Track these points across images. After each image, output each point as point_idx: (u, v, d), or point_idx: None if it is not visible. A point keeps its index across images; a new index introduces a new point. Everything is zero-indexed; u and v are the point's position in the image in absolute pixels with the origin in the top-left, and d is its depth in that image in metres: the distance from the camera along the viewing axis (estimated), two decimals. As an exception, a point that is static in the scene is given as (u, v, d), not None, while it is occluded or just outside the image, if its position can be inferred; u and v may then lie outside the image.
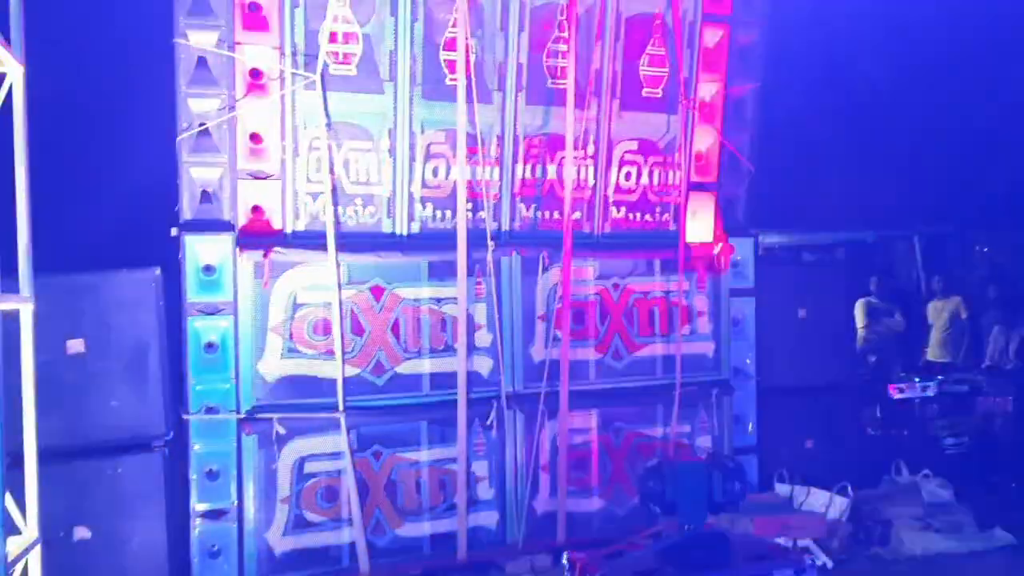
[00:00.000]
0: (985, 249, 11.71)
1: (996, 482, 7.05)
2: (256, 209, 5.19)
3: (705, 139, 6.28)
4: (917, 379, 7.39)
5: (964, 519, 6.20)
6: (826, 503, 6.04)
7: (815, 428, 6.77)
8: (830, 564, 5.63)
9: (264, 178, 5.17)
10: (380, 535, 5.40)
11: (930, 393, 7.28)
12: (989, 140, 9.52)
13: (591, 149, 5.95)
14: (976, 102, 9.01)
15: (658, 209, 6.21)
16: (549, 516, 5.80)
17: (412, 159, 5.47)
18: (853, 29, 7.12)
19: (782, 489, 6.30)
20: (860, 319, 9.16)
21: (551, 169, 5.84)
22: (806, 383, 6.71)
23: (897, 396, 7.24)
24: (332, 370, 5.26)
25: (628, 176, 6.09)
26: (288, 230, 5.25)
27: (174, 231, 5.08)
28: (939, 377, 7.68)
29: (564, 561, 3.10)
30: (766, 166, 6.63)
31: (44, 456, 4.58)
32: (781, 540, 5.56)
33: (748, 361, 6.47)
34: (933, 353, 9.45)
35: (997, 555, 5.78)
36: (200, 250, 5.06)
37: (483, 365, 5.67)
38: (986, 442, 7.21)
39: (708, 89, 6.23)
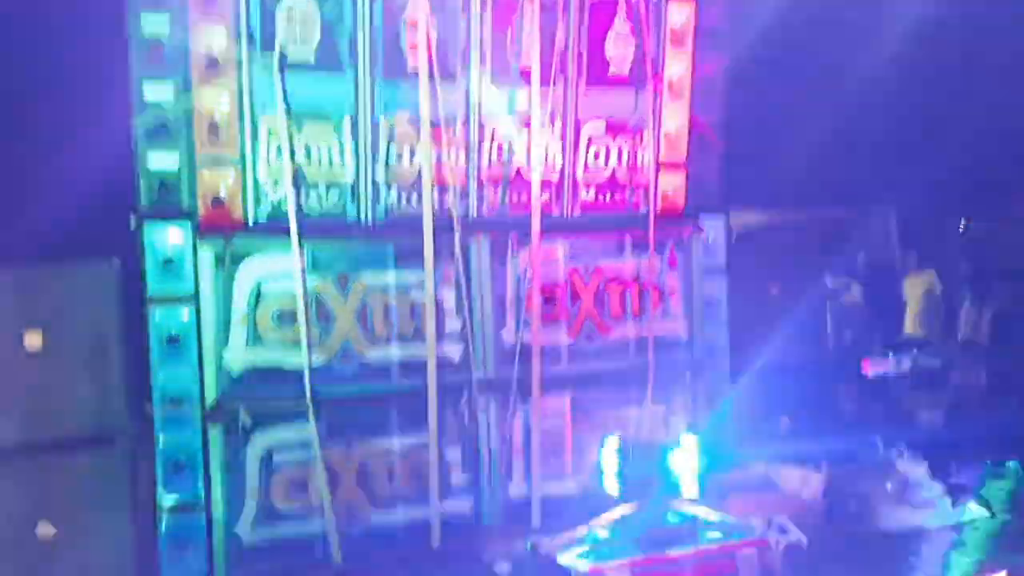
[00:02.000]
0: (961, 225, 11.75)
1: (969, 457, 7.08)
2: (216, 197, 5.08)
3: (674, 118, 6.21)
4: (891, 354, 7.39)
5: (938, 494, 6.24)
6: (801, 480, 6.05)
7: (790, 405, 6.79)
8: (804, 541, 5.63)
9: (224, 164, 5.06)
10: (352, 524, 5.35)
11: (904, 368, 7.28)
12: (965, 116, 9.50)
13: (558, 130, 5.87)
14: (954, 77, 8.97)
15: (628, 189, 6.14)
16: (524, 501, 5.77)
17: (375, 143, 5.38)
18: (826, 2, 7.06)
19: (757, 467, 6.30)
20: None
21: (518, 150, 5.76)
22: (780, 360, 6.70)
23: (871, 372, 7.24)
24: (298, 359, 5.18)
25: (596, 156, 6.03)
26: (250, 218, 5.15)
27: (133, 222, 4.98)
28: (913, 352, 7.68)
29: (528, 547, 3.06)
30: (739, 144, 6.59)
31: (4, 453, 4.52)
32: (754, 518, 5.57)
33: (721, 340, 6.44)
34: (909, 327, 9.47)
35: (971, 528, 5.80)
36: (160, 240, 4.96)
37: (453, 351, 5.61)
38: (959, 417, 7.23)
39: (676, 67, 6.16)
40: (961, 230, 10.59)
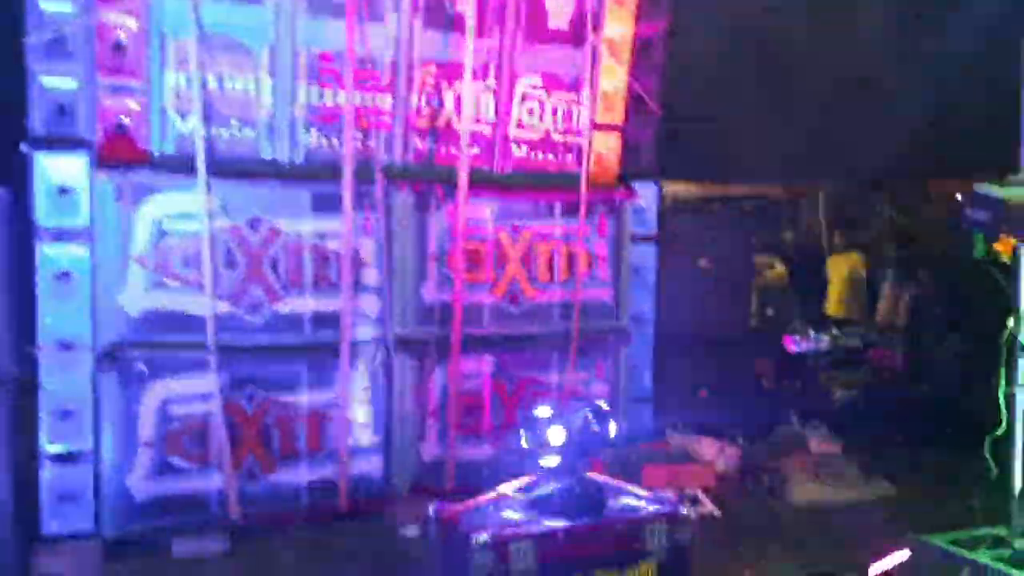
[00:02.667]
0: (888, 208, 11.94)
1: (882, 435, 7.19)
2: (118, 126, 4.71)
3: (611, 78, 6.02)
4: (812, 332, 7.44)
5: (850, 470, 6.29)
6: (717, 453, 6.02)
7: (711, 378, 6.76)
8: (718, 513, 5.62)
9: (126, 91, 4.69)
10: (253, 482, 5.09)
11: (824, 347, 7.33)
12: (901, 98, 9.57)
13: (492, 81, 5.63)
14: (891, 60, 9.01)
15: (561, 149, 5.95)
16: (437, 463, 5.59)
17: (295, 80, 5.06)
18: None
19: (675, 438, 6.26)
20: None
21: (448, 100, 5.50)
22: (704, 333, 6.67)
23: (792, 348, 7.27)
24: (202, 306, 4.87)
25: (531, 112, 5.81)
26: (154, 151, 4.80)
27: (24, 147, 4.57)
28: (833, 331, 7.75)
29: (430, 512, 2.89)
30: (675, 113, 6.45)
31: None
32: (669, 489, 5.52)
33: (647, 310, 6.34)
34: (831, 308, 9.59)
35: (879, 504, 5.86)
36: (53, 169, 4.58)
37: (370, 305, 5.37)
38: (874, 395, 7.33)
39: (616, 26, 5.95)
40: (887, 213, 10.77)
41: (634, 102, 6.14)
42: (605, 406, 3.18)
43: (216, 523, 4.99)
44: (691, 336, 6.60)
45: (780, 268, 9.97)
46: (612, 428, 3.04)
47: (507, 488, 2.96)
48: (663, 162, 6.56)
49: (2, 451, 4.48)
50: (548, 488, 2.88)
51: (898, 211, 11.35)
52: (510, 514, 2.79)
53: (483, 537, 2.65)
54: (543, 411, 2.97)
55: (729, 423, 6.48)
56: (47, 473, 4.61)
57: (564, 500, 2.83)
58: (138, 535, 4.82)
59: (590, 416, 2.99)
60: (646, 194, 6.29)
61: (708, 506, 5.63)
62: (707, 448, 6.09)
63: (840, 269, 9.50)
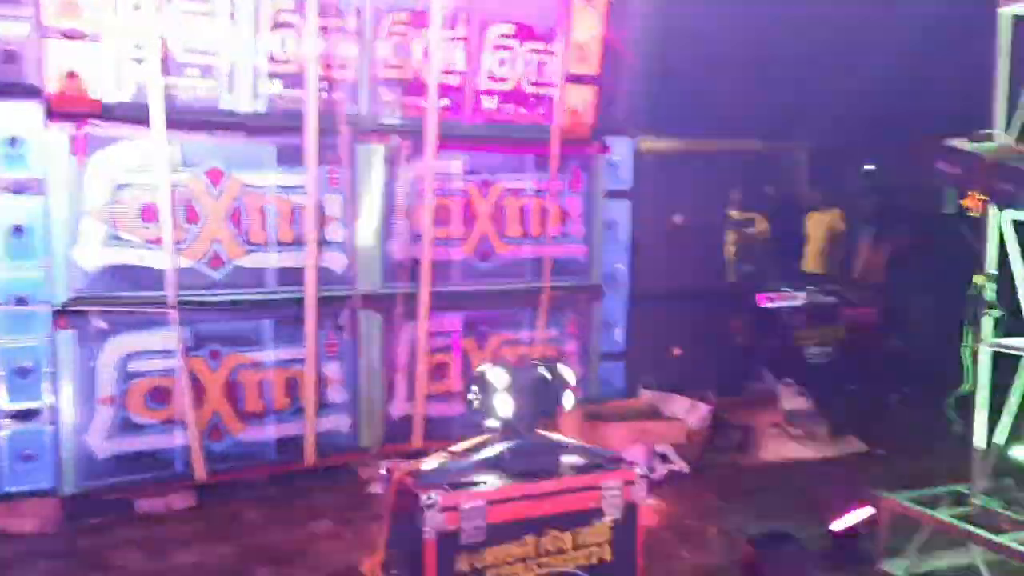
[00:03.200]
0: (869, 166, 11.86)
1: (854, 391, 7.20)
2: (71, 74, 4.54)
3: (586, 28, 5.88)
4: (785, 289, 7.39)
5: (820, 427, 6.30)
6: (688, 410, 6.00)
7: (684, 335, 6.72)
8: (686, 469, 5.62)
9: (79, 38, 4.51)
10: (218, 440, 5.03)
11: (798, 303, 7.30)
12: (884, 58, 9.43)
13: (461, 30, 5.47)
14: (876, 19, 8.85)
15: (533, 101, 5.82)
16: (406, 420, 5.55)
17: (257, 27, 4.88)
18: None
19: (646, 395, 6.23)
20: (728, 233, 9.18)
21: (416, 50, 5.34)
22: (677, 290, 6.61)
23: (765, 305, 7.23)
24: (161, 261, 4.76)
25: (502, 63, 5.66)
26: (109, 100, 4.63)
27: (-28, 96, 4.40)
28: (809, 287, 7.71)
29: (382, 471, 2.84)
30: (653, 66, 6.31)
31: None
32: (638, 445, 5.51)
33: (620, 266, 6.28)
34: (809, 264, 9.55)
35: (847, 462, 5.88)
36: (2, 118, 4.41)
37: (336, 261, 5.27)
38: (848, 353, 7.32)
39: (591, -28, 5.79)
40: (865, 170, 10.69)
41: (610, 53, 6.00)
42: (559, 360, 3.11)
43: (181, 481, 4.94)
44: (665, 293, 6.54)
45: (763, 225, 9.92)
46: (568, 383, 2.98)
47: (460, 447, 2.90)
48: (639, 116, 6.44)
49: (-42, 409, 4.41)
50: (501, 447, 2.83)
51: (877, 169, 11.29)
52: (462, 474, 2.74)
53: (433, 497, 2.59)
54: (490, 370, 2.90)
55: (702, 380, 6.45)
56: (5, 431, 4.52)
57: (516, 459, 2.78)
58: (100, 492, 4.76)
59: (544, 371, 2.92)
60: (621, 149, 6.18)
61: (677, 463, 5.63)
62: (678, 405, 6.05)
63: (819, 226, 9.44)
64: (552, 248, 5.89)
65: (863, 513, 4.30)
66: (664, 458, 5.64)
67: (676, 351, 6.67)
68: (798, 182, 10.44)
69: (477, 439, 2.94)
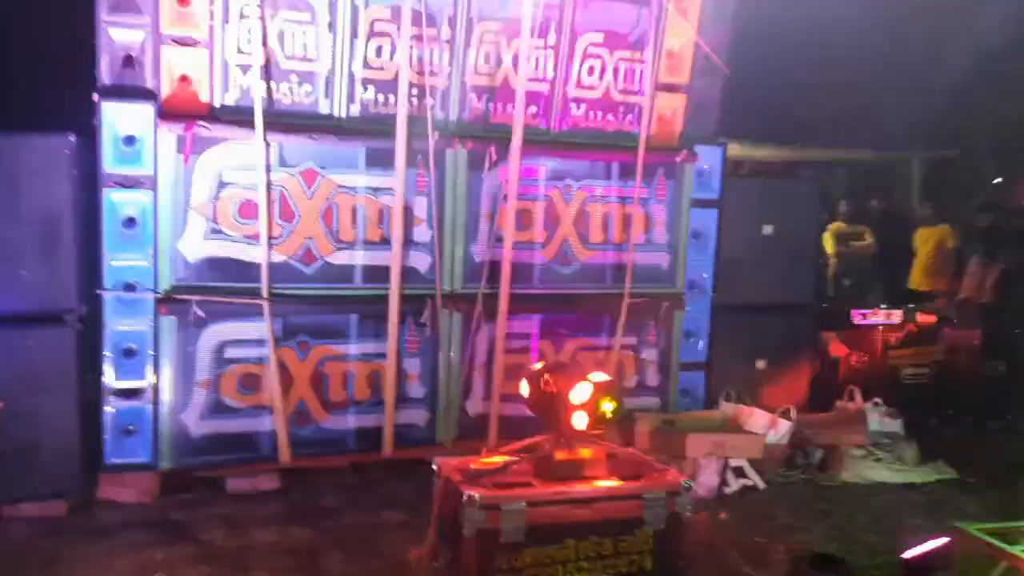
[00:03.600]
0: (992, 178, 11.25)
1: (951, 416, 6.91)
2: (182, 78, 4.88)
3: (678, 36, 5.86)
4: (883, 305, 7.14)
5: (908, 450, 6.08)
6: (767, 424, 5.90)
7: (771, 349, 6.59)
8: (762, 485, 5.53)
9: (191, 44, 4.84)
10: (303, 426, 5.29)
11: (895, 320, 7.04)
12: (1003, 64, 8.98)
13: (552, 39, 5.56)
14: (990, 22, 8.44)
15: (621, 109, 5.85)
16: (482, 418, 5.68)
17: (354, 36, 5.11)
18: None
19: (726, 408, 6.17)
20: (828, 244, 8.94)
21: (506, 58, 5.47)
22: (766, 302, 6.49)
23: (860, 321, 7.01)
24: (258, 254, 5.05)
25: (591, 71, 5.72)
26: (216, 103, 4.95)
27: (95, 96, 4.79)
28: (910, 305, 7.43)
29: (433, 466, 2.95)
30: (748, 72, 6.24)
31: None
32: (714, 458, 5.47)
33: (705, 276, 6.22)
34: (915, 281, 9.21)
35: (934, 488, 5.66)
36: (119, 119, 4.78)
37: (420, 261, 5.45)
38: (947, 375, 7.02)
39: (684, -19, 5.77)
40: (994, 184, 10.15)
41: (702, 61, 5.96)
42: (611, 376, 3.16)
43: (267, 463, 5.23)
44: (752, 305, 6.44)
45: (869, 239, 9.63)
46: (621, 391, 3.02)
47: (512, 448, 2.99)
48: (732, 123, 6.37)
49: (71, 386, 4.81)
50: (552, 451, 2.90)
51: (999, 184, 10.72)
52: (507, 474, 2.83)
53: (475, 495, 2.69)
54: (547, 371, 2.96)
55: (786, 395, 6.32)
56: (110, 408, 4.90)
57: (562, 463, 2.85)
58: (194, 469, 5.10)
59: (601, 381, 2.98)
60: (710, 157, 6.13)
61: (752, 478, 5.55)
62: (758, 419, 5.96)
63: (928, 241, 9.08)
64: (634, 255, 5.90)
65: (939, 543, 4.15)
66: (739, 472, 5.58)
67: (760, 364, 6.55)
68: (908, 194, 10.07)
69: (530, 441, 3.02)
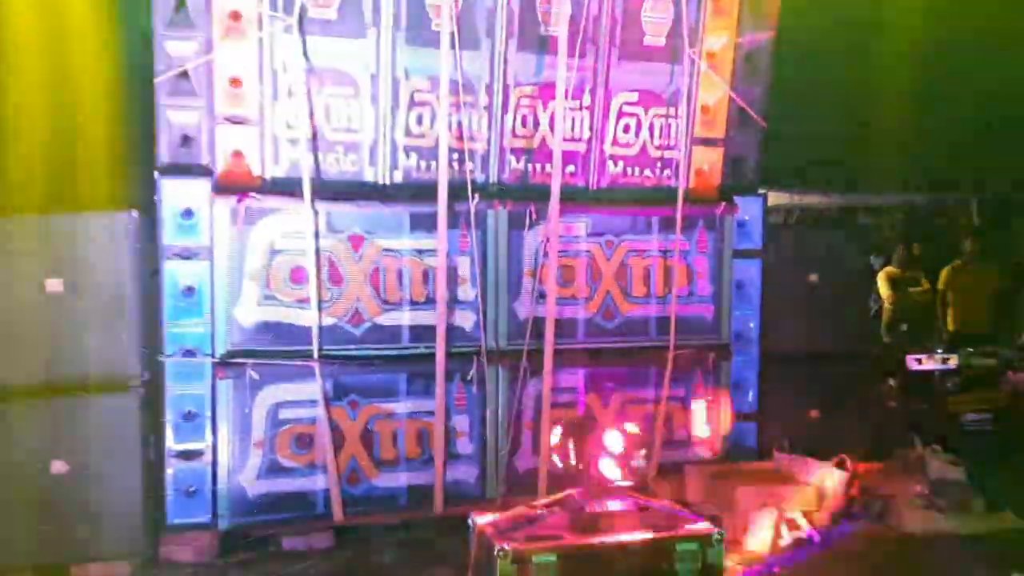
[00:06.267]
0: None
1: (1018, 462, 6.67)
2: (235, 154, 5.16)
3: (713, 91, 5.98)
4: (939, 350, 7.00)
5: (973, 500, 5.89)
6: (823, 475, 5.80)
7: (824, 398, 6.50)
8: (817, 537, 5.43)
9: (243, 122, 5.13)
10: (355, 484, 5.41)
11: (952, 365, 6.89)
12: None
13: (587, 100, 5.72)
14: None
15: (659, 164, 5.96)
16: (531, 473, 5.72)
17: (395, 107, 5.36)
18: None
19: (779, 458, 6.09)
20: (884, 289, 8.79)
21: (543, 120, 5.64)
22: (816, 351, 6.43)
23: (916, 367, 6.88)
24: (308, 318, 5.25)
25: (627, 129, 5.86)
26: (267, 176, 5.22)
27: (156, 174, 5.09)
28: (967, 349, 7.26)
29: (469, 522, 3.02)
30: (786, 122, 6.31)
31: (23, 392, 4.73)
32: (767, 510, 5.40)
33: (751, 325, 6.22)
34: (969, 325, 8.97)
35: (1000, 540, 5.47)
36: (178, 194, 5.07)
37: (465, 319, 5.58)
38: (1010, 420, 6.81)
39: (717, 38, 5.91)
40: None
41: (738, 113, 6.06)
42: (636, 430, 3.20)
43: (321, 521, 5.35)
44: (802, 353, 6.39)
45: (926, 284, 9.45)
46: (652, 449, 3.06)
47: (546, 500, 3.04)
48: (776, 172, 6.42)
49: (134, 449, 5.03)
50: (585, 503, 2.95)
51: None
52: (539, 527, 2.88)
53: (506, 548, 2.75)
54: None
55: (841, 444, 6.22)
56: (171, 469, 5.10)
57: (596, 515, 2.89)
58: (251, 528, 5.24)
59: (631, 435, 3.03)
60: (750, 208, 6.18)
61: (807, 530, 5.45)
62: (813, 469, 5.87)
63: (980, 283, 8.87)
64: (678, 307, 5.94)
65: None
66: (794, 524, 5.48)
67: (813, 413, 6.46)
68: (960, 236, 9.86)
69: (562, 493, 3.07)
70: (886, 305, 9.26)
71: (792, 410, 6.37)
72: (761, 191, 6.24)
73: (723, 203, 6.06)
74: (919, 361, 6.89)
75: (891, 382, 6.95)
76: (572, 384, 5.81)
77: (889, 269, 9.38)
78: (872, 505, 5.83)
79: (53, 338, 4.87)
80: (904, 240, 10.13)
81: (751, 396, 6.26)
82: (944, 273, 8.81)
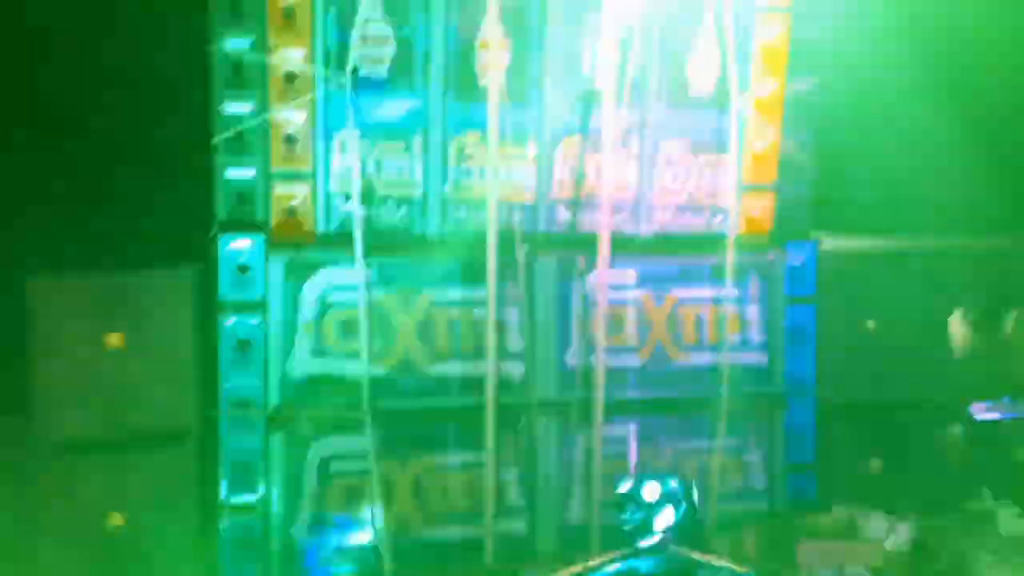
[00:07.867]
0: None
1: (1095, 516, 6.35)
2: (289, 209, 5.27)
3: (762, 137, 5.94)
4: (1006, 398, 6.74)
5: (1048, 556, 5.63)
6: (886, 529, 5.61)
7: (885, 448, 6.31)
8: (882, 596, 5.23)
9: (296, 179, 5.25)
10: (405, 537, 5.39)
11: (1021, 413, 6.62)
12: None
13: (635, 148, 5.73)
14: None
15: (708, 211, 5.92)
16: (583, 527, 5.63)
17: (444, 161, 5.43)
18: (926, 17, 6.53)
19: (840, 512, 5.90)
20: (956, 334, 8.50)
21: (591, 170, 5.66)
22: (876, 399, 6.26)
23: (981, 416, 6.63)
24: (359, 370, 5.29)
25: (675, 177, 5.84)
26: (320, 230, 5.31)
27: (213, 231, 5.23)
28: (1035, 397, 6.98)
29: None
30: (839, 165, 6.23)
31: (83, 445, 4.85)
32: (828, 568, 5.24)
33: (807, 374, 6.08)
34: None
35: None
36: (234, 250, 5.19)
37: (515, 370, 5.57)
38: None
39: (766, 84, 5.88)
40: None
41: (788, 159, 6.00)
42: (687, 480, 3.14)
43: (372, 573, 5.32)
44: (861, 402, 6.22)
45: (1009, 330, 9.10)
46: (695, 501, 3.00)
47: (597, 561, 2.99)
48: (824, 218, 6.32)
49: (189, 501, 5.10)
50: (634, 564, 2.89)
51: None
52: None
53: (558, 612, 2.70)
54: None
55: (905, 497, 6.01)
56: (225, 522, 5.15)
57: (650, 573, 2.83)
58: (302, 581, 5.25)
59: (675, 490, 2.97)
60: (803, 253, 6.09)
61: (871, 587, 5.26)
62: (875, 524, 5.69)
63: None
64: (730, 355, 5.84)
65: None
66: (856, 582, 5.30)
67: (875, 463, 6.27)
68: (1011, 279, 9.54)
69: (614, 554, 3.02)
70: (957, 350, 8.95)
71: (853, 461, 6.19)
72: (814, 236, 6.15)
73: (775, 249, 5.98)
74: (985, 409, 6.64)
75: (956, 431, 6.70)
76: (622, 434, 5.74)
77: (961, 313, 9.07)
78: (940, 561, 5.61)
79: (113, 392, 4.98)
80: (972, 284, 9.84)
81: (808, 446, 6.09)
82: (1014, 317, 8.51)
